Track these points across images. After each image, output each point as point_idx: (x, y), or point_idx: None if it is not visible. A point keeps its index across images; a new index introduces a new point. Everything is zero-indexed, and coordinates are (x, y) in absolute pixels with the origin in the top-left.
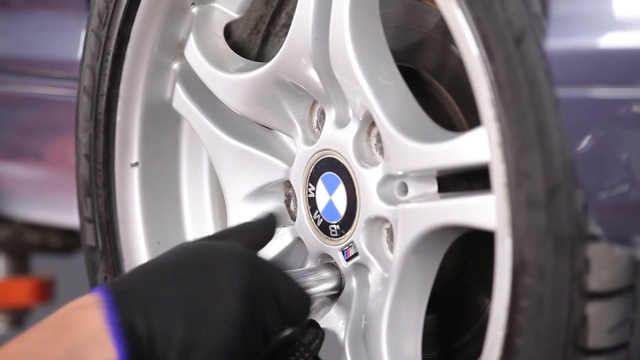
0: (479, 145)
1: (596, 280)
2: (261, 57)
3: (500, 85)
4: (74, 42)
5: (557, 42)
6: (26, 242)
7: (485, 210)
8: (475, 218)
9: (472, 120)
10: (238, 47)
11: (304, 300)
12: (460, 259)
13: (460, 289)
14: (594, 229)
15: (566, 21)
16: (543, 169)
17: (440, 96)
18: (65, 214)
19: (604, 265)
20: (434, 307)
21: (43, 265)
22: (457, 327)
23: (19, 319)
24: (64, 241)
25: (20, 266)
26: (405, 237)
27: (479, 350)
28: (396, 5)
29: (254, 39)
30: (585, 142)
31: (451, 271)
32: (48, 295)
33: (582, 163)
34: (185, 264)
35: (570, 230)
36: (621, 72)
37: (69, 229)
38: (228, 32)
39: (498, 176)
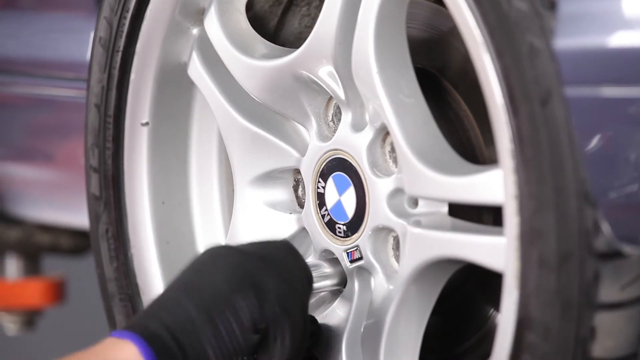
0: (494, 187)
1: (600, 348)
2: (280, 26)
3: (521, 141)
4: (83, 43)
5: (566, 41)
6: (37, 243)
7: (496, 252)
8: (485, 257)
9: (488, 136)
10: (258, 18)
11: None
12: (466, 267)
13: (463, 297)
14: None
15: (576, 20)
16: (557, 232)
17: (458, 107)
18: (76, 214)
19: (609, 334)
20: (437, 311)
21: (54, 266)
22: (459, 333)
23: (31, 320)
24: (75, 242)
25: (31, 267)
26: (411, 261)
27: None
28: (422, 7)
29: (275, 10)
30: (594, 140)
31: (456, 279)
32: (59, 296)
33: (592, 161)
34: (186, 274)
35: (579, 298)
36: (630, 71)
37: (80, 229)
38: (250, 4)
39: (511, 227)
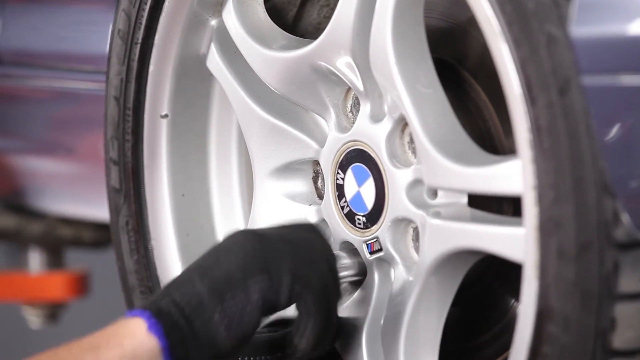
0: (513, 178)
1: (621, 339)
2: (299, 16)
3: (540, 131)
4: (102, 35)
5: (584, 29)
6: (60, 237)
7: (515, 243)
8: (504, 248)
9: (508, 126)
10: (276, 9)
11: None
12: (486, 258)
13: (484, 288)
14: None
15: (593, 8)
16: (576, 223)
17: (477, 97)
18: (98, 208)
19: (629, 325)
20: (457, 302)
21: (78, 259)
22: (479, 324)
23: (54, 313)
24: (97, 235)
25: (54, 261)
26: (431, 252)
27: (495, 352)
28: None
29: (294, 0)
30: (613, 130)
31: (475, 269)
32: (83, 289)
33: (611, 151)
34: (204, 258)
35: (599, 289)
36: None
37: (102, 222)
38: None
39: (530, 217)
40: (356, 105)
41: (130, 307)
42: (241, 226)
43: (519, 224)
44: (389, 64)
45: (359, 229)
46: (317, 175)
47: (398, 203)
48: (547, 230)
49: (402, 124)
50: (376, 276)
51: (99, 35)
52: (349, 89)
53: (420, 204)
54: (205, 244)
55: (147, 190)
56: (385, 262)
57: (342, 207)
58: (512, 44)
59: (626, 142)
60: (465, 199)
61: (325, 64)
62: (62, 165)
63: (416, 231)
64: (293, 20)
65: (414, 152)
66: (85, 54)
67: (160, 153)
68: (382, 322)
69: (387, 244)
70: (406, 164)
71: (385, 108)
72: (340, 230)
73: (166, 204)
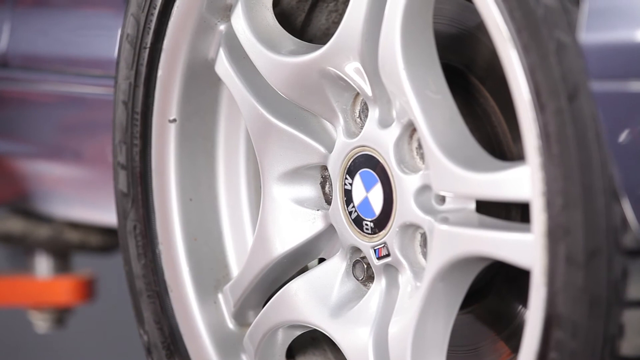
0: (522, 184)
1: (629, 346)
2: (307, 22)
3: (548, 137)
4: (111, 40)
5: (593, 35)
6: (67, 241)
7: (523, 249)
8: (512, 254)
9: (516, 132)
10: (285, 14)
11: None
12: (494, 264)
13: (492, 293)
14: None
15: (603, 14)
16: (585, 229)
17: (485, 103)
18: (106, 212)
19: (638, 331)
20: (464, 307)
21: (85, 264)
22: (487, 329)
23: (61, 318)
24: (105, 240)
25: (61, 265)
26: (439, 258)
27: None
28: (449, 3)
29: (303, 5)
30: (622, 136)
31: (484, 274)
32: (90, 294)
33: (620, 157)
34: None
35: (608, 295)
36: None
37: (109, 227)
38: (277, 0)
39: (539, 223)
40: (364, 110)
41: (138, 311)
42: (249, 231)
43: (527, 230)
44: (398, 69)
45: (367, 235)
46: (325, 181)
47: (406, 209)
48: (555, 236)
49: (410, 129)
50: (384, 282)
51: (108, 39)
52: (358, 94)
53: (428, 210)
54: (213, 248)
55: (155, 195)
56: (393, 268)
57: (350, 213)
58: (522, 50)
59: (635, 148)
60: (473, 205)
61: (333, 69)
62: (70, 170)
63: (424, 237)
64: (302, 25)
65: (422, 157)
66: (93, 59)
67: (168, 157)
68: (389, 327)
69: (395, 249)
70: (414, 170)
71: (394, 113)
72: (347, 236)
73: (174, 208)
